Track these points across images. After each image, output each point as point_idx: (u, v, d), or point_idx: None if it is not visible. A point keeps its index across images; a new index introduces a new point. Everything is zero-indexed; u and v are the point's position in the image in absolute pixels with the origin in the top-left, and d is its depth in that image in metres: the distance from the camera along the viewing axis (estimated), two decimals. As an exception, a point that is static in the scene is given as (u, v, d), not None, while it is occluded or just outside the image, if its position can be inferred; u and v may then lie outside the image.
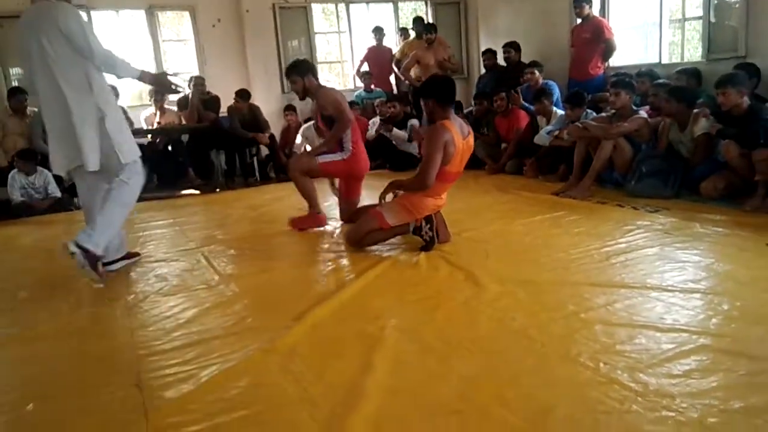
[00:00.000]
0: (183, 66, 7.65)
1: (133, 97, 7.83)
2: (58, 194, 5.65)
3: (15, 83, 6.61)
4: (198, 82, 6.81)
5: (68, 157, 3.09)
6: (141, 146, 6.48)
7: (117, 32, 7.33)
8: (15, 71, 6.75)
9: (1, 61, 6.65)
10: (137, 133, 6.58)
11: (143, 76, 3.23)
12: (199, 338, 2.34)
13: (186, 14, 7.53)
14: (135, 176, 3.19)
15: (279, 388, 1.89)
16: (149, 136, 6.74)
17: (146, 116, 6.88)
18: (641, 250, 3.04)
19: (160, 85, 3.47)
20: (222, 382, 1.95)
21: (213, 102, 6.90)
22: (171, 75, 3.45)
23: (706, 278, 2.61)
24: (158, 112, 6.84)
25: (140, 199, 5.73)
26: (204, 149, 6.89)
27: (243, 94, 6.82)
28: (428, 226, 3.34)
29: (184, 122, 6.80)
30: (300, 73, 3.90)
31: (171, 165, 6.81)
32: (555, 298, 2.51)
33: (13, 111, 6.09)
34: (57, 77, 2.95)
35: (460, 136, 3.18)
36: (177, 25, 8.00)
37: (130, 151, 3.17)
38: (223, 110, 6.92)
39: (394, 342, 2.15)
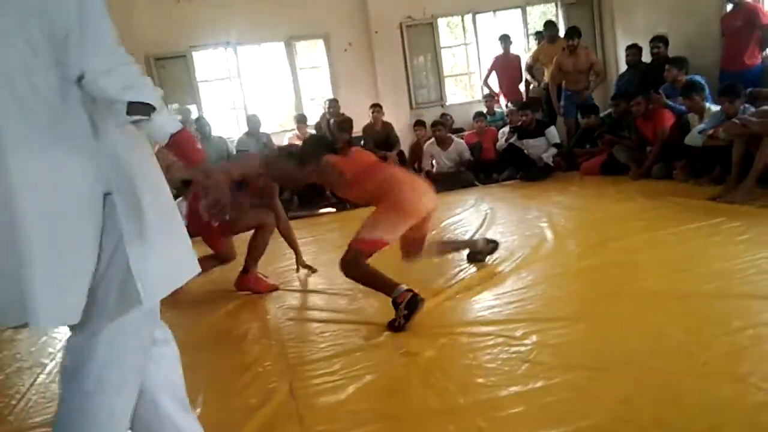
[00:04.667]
0: (318, 91, 8.10)
1: (278, 124, 8.46)
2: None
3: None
4: (332, 105, 7.17)
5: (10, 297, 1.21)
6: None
7: (260, 64, 7.96)
8: (172, 107, 7.53)
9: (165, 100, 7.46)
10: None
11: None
12: (343, 350, 2.44)
13: (320, 42, 7.97)
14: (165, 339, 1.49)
15: (423, 401, 1.92)
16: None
17: (290, 138, 7.36)
18: (819, 260, 2.68)
19: None
20: (368, 392, 2.03)
21: (345, 123, 7.22)
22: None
23: None
24: (299, 136, 7.29)
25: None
26: (339, 168, 7.21)
27: (378, 106, 7.14)
28: (485, 255, 3.36)
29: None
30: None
31: (310, 185, 7.20)
32: (717, 312, 2.29)
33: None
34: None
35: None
36: (312, 53, 8.51)
37: (168, 276, 1.36)
38: (357, 130, 7.20)
39: (540, 358, 2.09)
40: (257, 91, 8.02)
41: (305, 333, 2.71)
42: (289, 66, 7.85)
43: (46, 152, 1.20)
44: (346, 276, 2.79)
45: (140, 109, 1.21)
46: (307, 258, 4.28)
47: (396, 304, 2.57)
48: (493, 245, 3.45)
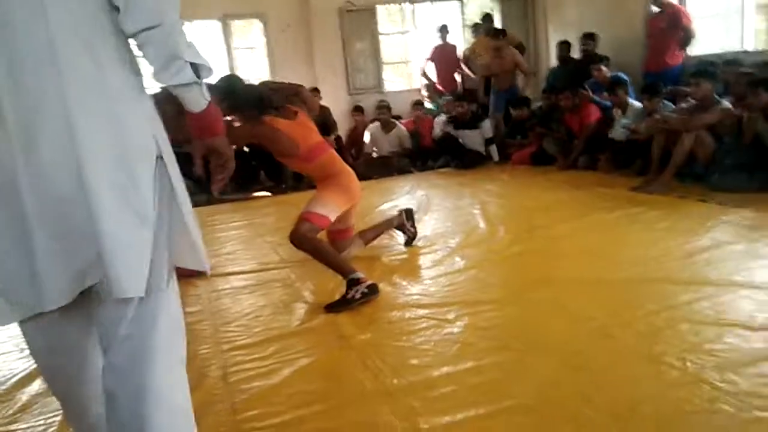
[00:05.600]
0: (254, 72, 7.91)
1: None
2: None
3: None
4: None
5: (73, 269, 1.13)
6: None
7: (193, 42, 7.68)
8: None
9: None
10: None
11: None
12: (278, 334, 2.42)
13: (256, 21, 7.77)
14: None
15: (358, 382, 1.94)
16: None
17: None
18: (727, 247, 2.89)
19: None
20: (303, 375, 2.03)
21: (282, 106, 7.12)
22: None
23: (801, 276, 2.46)
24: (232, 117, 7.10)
25: (217, 201, 5.84)
26: (275, 152, 7.11)
27: (316, 90, 7.04)
28: (410, 222, 3.50)
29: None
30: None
31: (244, 168, 7.05)
32: (635, 296, 2.43)
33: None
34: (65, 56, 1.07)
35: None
36: (248, 32, 8.28)
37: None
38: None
39: (470, 340, 2.16)
40: (190, 69, 7.73)
41: (238, 317, 2.66)
42: (225, 45, 7.63)
43: (107, 103, 1.12)
44: (298, 248, 2.78)
45: (196, 72, 1.16)
46: (244, 243, 4.21)
47: (356, 282, 2.62)
48: (407, 212, 3.53)
